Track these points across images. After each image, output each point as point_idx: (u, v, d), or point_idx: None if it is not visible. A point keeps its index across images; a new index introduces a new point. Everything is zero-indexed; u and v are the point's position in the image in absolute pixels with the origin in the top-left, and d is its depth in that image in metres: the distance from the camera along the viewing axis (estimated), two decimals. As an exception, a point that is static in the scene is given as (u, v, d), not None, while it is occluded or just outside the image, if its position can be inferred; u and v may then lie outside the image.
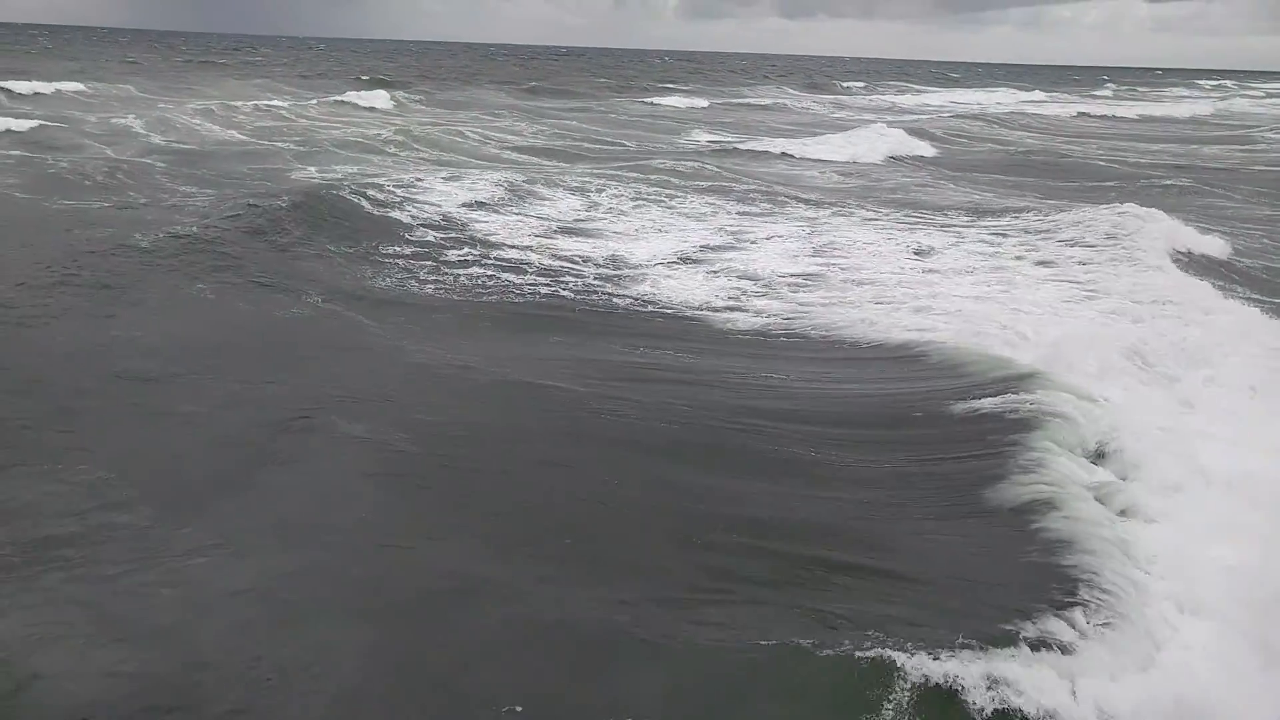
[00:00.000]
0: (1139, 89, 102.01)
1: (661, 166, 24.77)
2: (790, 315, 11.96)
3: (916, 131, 36.30)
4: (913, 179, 25.83)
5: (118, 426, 7.62)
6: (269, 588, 5.63)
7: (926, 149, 32.76)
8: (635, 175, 23.37)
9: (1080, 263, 15.36)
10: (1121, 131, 47.29)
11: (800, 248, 16.27)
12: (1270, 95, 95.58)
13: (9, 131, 24.48)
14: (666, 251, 15.49)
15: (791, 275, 14.14)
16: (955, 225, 18.74)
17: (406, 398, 8.41)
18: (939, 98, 72.45)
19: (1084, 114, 57.50)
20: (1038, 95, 76.94)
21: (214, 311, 10.90)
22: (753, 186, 22.35)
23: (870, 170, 27.67)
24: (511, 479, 7.11)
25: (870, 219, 19.14)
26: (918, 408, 8.65)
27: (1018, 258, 15.71)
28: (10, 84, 33.00)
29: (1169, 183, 25.92)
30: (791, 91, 72.18)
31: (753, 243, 16.56)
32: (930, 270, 14.71)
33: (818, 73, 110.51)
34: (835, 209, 20.03)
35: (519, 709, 4.78)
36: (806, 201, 20.80)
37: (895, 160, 29.86)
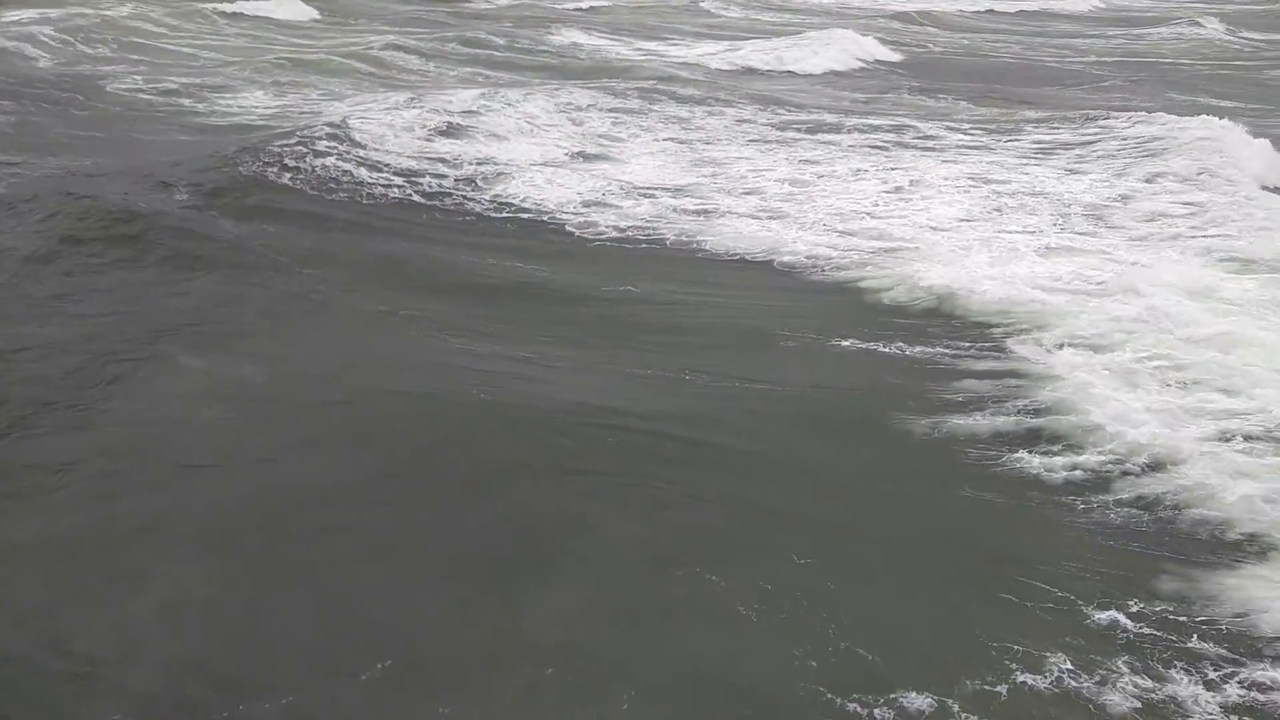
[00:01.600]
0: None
1: (584, 77, 22.42)
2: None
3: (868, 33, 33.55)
4: (898, 90, 23.44)
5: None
6: (96, 518, 5.73)
7: (889, 54, 30.20)
8: (535, 80, 21.71)
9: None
10: (1044, 29, 45.79)
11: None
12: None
13: None
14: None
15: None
16: (980, 144, 16.81)
17: (250, 323, 8.43)
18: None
19: (991, 10, 55.73)
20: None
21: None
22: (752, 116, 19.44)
23: (853, 80, 25.17)
24: (346, 406, 7.11)
25: (925, 144, 16.69)
26: None
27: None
28: None
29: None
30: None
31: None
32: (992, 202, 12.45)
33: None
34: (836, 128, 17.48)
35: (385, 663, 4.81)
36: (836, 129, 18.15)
37: (871, 70, 27.36)
